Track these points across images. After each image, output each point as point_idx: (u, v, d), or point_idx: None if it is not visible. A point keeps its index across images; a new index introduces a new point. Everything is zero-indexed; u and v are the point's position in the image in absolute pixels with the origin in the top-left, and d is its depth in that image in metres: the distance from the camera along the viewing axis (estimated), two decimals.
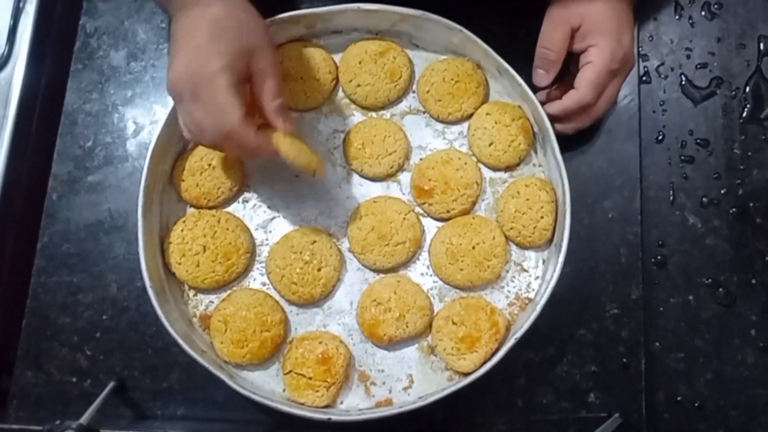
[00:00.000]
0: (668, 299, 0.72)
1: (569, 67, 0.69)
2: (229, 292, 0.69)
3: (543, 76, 0.69)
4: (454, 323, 0.66)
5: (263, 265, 0.71)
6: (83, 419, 0.63)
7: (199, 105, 0.58)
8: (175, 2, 0.60)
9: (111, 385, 0.69)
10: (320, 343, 0.66)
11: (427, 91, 0.73)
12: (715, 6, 0.79)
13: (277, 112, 0.61)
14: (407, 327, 0.67)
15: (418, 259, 0.71)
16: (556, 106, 0.68)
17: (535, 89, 0.70)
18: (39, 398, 0.71)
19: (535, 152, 0.73)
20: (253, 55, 0.59)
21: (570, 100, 0.67)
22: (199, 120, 0.58)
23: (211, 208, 0.71)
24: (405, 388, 0.68)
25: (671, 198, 0.74)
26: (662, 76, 0.77)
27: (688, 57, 0.78)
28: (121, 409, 0.70)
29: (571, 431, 0.69)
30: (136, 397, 0.70)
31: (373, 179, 0.73)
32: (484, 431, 0.69)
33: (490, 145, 0.71)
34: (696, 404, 0.70)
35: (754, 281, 0.73)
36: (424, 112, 0.74)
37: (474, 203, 0.71)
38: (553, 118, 0.68)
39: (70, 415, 0.65)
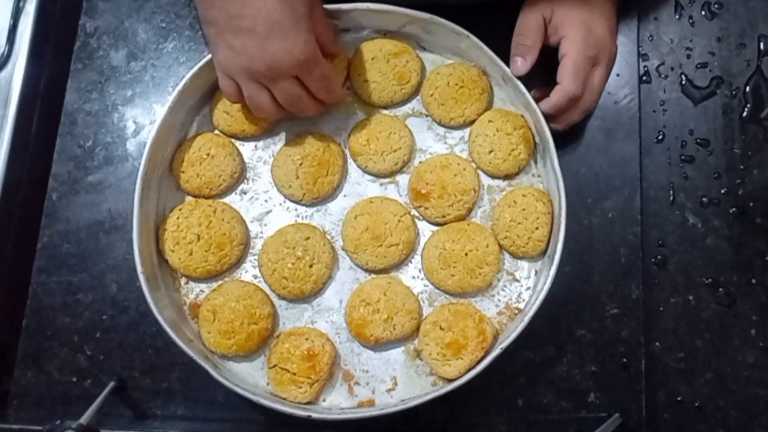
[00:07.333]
0: (668, 299, 0.72)
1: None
2: (220, 282, 0.69)
3: (521, 62, 0.69)
4: (441, 328, 0.66)
5: (256, 257, 0.71)
6: (83, 419, 0.63)
7: (280, 41, 0.61)
8: None
9: (111, 385, 0.69)
10: (307, 339, 0.66)
11: (431, 95, 0.73)
12: (716, 6, 0.79)
13: (335, 41, 0.70)
14: (394, 329, 0.67)
15: (411, 262, 0.71)
16: (545, 104, 0.68)
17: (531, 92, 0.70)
18: (39, 398, 0.71)
19: (535, 162, 0.72)
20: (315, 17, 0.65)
21: (557, 95, 0.67)
22: (280, 54, 0.61)
23: (212, 197, 0.71)
24: (388, 390, 0.68)
25: (671, 198, 0.74)
26: (662, 75, 0.77)
27: (689, 57, 0.78)
28: (121, 409, 0.70)
29: (571, 431, 0.69)
30: (136, 397, 0.70)
31: (378, 176, 0.73)
32: (484, 431, 0.69)
33: (490, 152, 0.71)
34: (696, 404, 0.70)
35: (754, 281, 0.73)
36: (426, 116, 0.74)
37: (470, 210, 0.71)
38: (546, 117, 0.68)
39: (70, 415, 0.65)
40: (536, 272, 0.70)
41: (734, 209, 0.74)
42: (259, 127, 0.72)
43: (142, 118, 0.77)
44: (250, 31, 0.60)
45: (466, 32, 0.69)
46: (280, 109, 0.66)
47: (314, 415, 0.63)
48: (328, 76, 0.66)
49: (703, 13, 0.79)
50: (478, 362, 0.64)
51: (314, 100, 0.67)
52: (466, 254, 0.68)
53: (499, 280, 0.70)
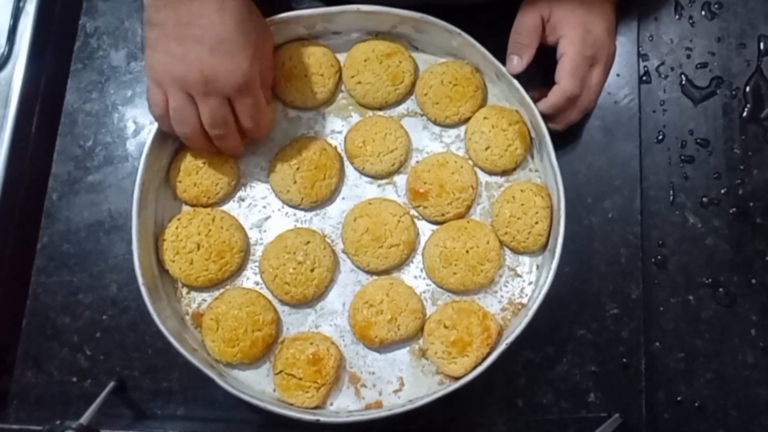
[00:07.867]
0: (668, 299, 0.72)
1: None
2: (222, 290, 0.69)
3: (517, 61, 0.69)
4: (445, 327, 0.66)
5: (257, 264, 0.70)
6: (83, 419, 0.63)
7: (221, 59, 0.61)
8: None
9: (111, 385, 0.69)
10: (311, 343, 0.66)
11: (425, 94, 0.73)
12: (715, 6, 0.79)
13: (269, 88, 0.70)
14: (399, 330, 0.67)
15: (412, 262, 0.71)
16: (543, 104, 0.69)
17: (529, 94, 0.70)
18: (39, 398, 0.71)
19: (532, 157, 0.72)
20: (263, 50, 0.66)
21: (555, 94, 0.68)
22: (221, 70, 0.61)
23: (210, 205, 0.71)
24: (395, 391, 0.68)
25: (671, 198, 0.74)
26: (662, 75, 0.77)
27: (688, 57, 0.78)
28: (121, 409, 0.70)
29: (571, 431, 0.69)
30: (136, 397, 0.70)
31: (375, 177, 0.73)
32: (484, 431, 0.69)
33: (487, 149, 0.71)
34: (696, 404, 0.70)
35: (754, 281, 0.73)
36: (421, 115, 0.74)
37: (469, 207, 0.71)
38: (545, 117, 0.68)
39: (70, 415, 0.65)
40: (538, 267, 0.70)
41: (734, 209, 0.74)
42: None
43: (142, 118, 0.77)
44: (197, 40, 0.60)
45: (457, 30, 0.69)
46: (202, 131, 0.65)
47: (323, 419, 0.63)
48: (260, 107, 0.65)
49: (703, 13, 0.79)
50: (484, 359, 0.64)
51: (238, 132, 0.66)
52: (467, 251, 0.68)
53: (501, 276, 0.70)
